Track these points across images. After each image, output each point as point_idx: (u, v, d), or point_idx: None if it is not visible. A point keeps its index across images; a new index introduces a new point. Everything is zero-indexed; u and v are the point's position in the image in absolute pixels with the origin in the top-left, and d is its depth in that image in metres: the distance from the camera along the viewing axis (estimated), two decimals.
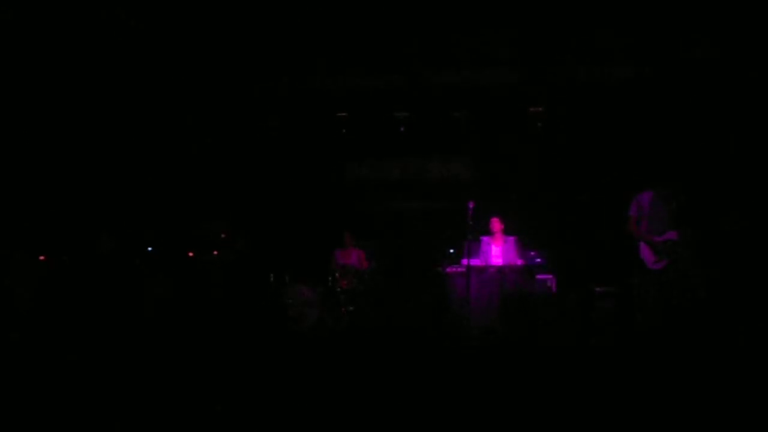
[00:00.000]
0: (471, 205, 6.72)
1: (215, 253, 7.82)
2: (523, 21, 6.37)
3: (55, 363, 3.75)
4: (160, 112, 7.79)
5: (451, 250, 7.56)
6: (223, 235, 8.18)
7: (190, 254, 8.14)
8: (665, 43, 6.57)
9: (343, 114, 8.04)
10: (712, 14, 5.81)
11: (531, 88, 7.47)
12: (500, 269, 7.07)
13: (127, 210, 7.89)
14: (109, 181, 7.75)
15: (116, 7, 5.87)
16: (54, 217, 7.22)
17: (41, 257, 6.87)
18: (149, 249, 7.82)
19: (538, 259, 7.21)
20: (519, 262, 7.13)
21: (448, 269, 7.16)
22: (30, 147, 7.04)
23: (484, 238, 7.39)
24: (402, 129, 8.01)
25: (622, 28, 6.41)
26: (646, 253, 5.81)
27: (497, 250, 7.32)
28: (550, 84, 7.36)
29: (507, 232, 7.31)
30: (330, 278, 7.74)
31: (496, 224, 7.30)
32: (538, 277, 7.05)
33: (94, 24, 5.98)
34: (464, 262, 6.88)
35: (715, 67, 6.55)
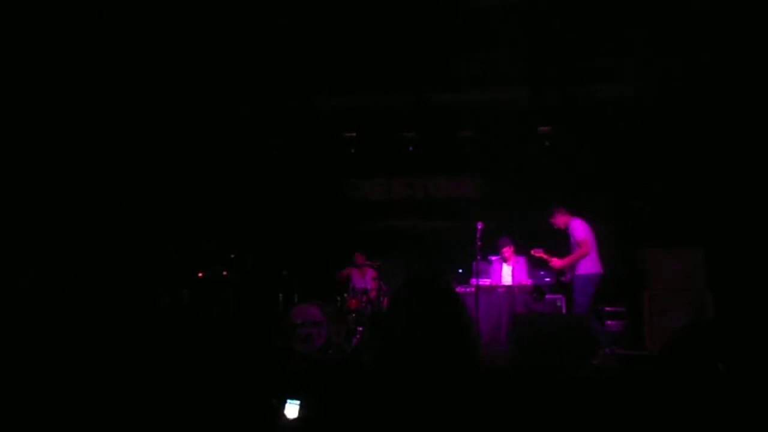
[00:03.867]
0: (480, 225, 6.73)
1: (224, 273, 7.84)
2: (529, 42, 6.42)
3: (54, 368, 3.76)
4: (169, 130, 7.89)
5: (460, 270, 7.55)
6: (232, 256, 8.21)
7: (200, 274, 8.17)
8: (671, 63, 6.60)
9: (352, 134, 8.10)
10: (711, 33, 5.84)
11: (538, 107, 7.50)
12: (509, 289, 7.04)
13: (140, 226, 7.95)
14: (118, 200, 7.81)
15: (118, 22, 5.95)
16: (69, 227, 7.27)
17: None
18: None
19: (548, 279, 7.18)
20: (528, 281, 7.11)
21: (457, 289, 7.15)
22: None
23: (494, 258, 7.38)
24: (410, 149, 8.05)
25: (625, 47, 6.45)
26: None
27: (507, 270, 7.30)
28: (557, 103, 7.39)
29: (517, 252, 7.30)
30: (339, 298, 7.74)
31: (507, 252, 7.28)
32: (548, 296, 7.01)
33: (93, 35, 6.06)
34: (473, 281, 6.87)
35: (713, 86, 6.56)
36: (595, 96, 7.30)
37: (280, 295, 7.78)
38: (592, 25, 6.09)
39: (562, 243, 6.69)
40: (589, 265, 6.39)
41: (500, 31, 6.17)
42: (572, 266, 6.50)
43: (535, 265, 7.21)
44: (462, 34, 6.25)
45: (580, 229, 6.47)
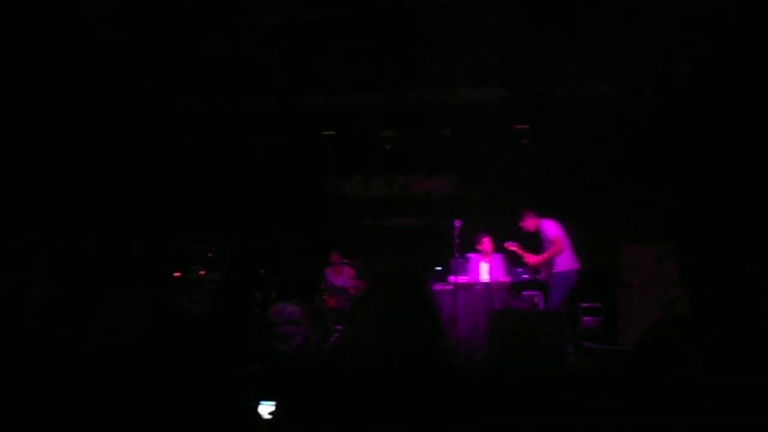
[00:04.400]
0: (457, 223, 6.79)
1: (202, 273, 7.77)
2: (507, 42, 6.47)
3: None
4: (144, 127, 7.79)
5: (438, 268, 7.58)
6: (209, 255, 8.14)
7: (177, 274, 8.09)
8: (645, 63, 6.69)
9: (330, 132, 8.08)
10: (688, 33, 5.94)
11: (515, 106, 7.56)
12: (487, 286, 7.09)
13: (116, 225, 7.84)
14: (95, 197, 7.69)
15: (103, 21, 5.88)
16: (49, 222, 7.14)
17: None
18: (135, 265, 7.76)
19: (525, 276, 7.25)
20: (506, 278, 7.17)
21: (435, 286, 7.17)
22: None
23: (472, 256, 7.42)
24: (388, 147, 8.06)
25: (601, 47, 6.53)
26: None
27: (484, 268, 7.35)
28: (533, 102, 7.45)
29: (495, 249, 7.35)
30: (317, 297, 7.73)
31: (486, 244, 7.33)
32: (525, 293, 7.08)
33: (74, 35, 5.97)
34: (451, 279, 6.92)
35: (690, 85, 6.67)
36: (571, 94, 7.38)
37: (259, 294, 7.74)
38: (567, 24, 6.15)
39: (539, 240, 6.77)
40: (565, 262, 6.48)
41: (477, 30, 6.21)
42: (548, 264, 6.58)
43: (512, 262, 7.27)
44: (439, 33, 6.27)
45: (551, 228, 6.57)
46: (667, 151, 7.31)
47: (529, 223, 6.73)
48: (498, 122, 7.77)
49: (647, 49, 6.34)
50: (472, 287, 7.12)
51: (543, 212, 6.78)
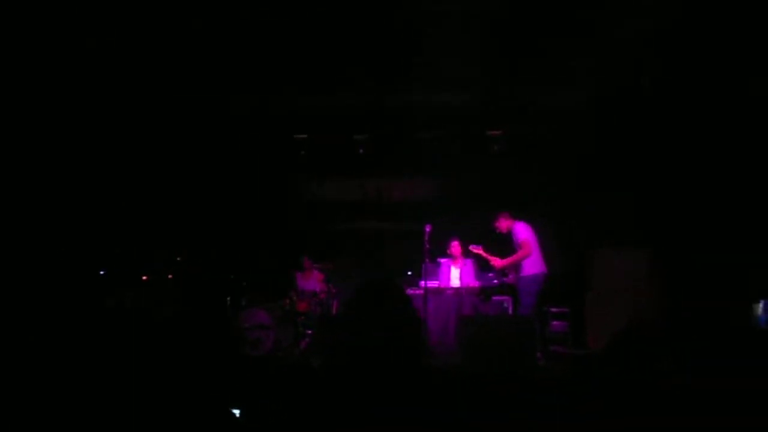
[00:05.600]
0: (428, 228, 6.81)
1: (170, 276, 7.66)
2: (482, 45, 6.50)
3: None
4: (114, 130, 7.64)
5: (409, 272, 7.60)
6: (178, 258, 8.03)
7: (144, 278, 7.95)
8: (619, 68, 6.80)
9: (302, 135, 8.03)
10: (664, 39, 6.04)
11: (489, 111, 7.61)
12: (457, 291, 7.13)
13: (84, 228, 7.67)
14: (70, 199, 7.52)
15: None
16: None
17: None
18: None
19: (495, 281, 7.31)
20: (476, 283, 7.21)
21: (407, 291, 7.18)
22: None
23: (443, 261, 7.46)
24: (361, 150, 8.04)
25: (577, 53, 6.61)
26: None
27: (455, 273, 7.39)
28: (506, 108, 7.51)
29: (465, 254, 7.39)
30: (288, 301, 7.68)
31: (455, 248, 7.38)
32: (495, 298, 7.14)
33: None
34: (422, 284, 6.93)
35: (666, 90, 6.79)
36: (544, 101, 7.45)
37: (228, 298, 7.66)
38: (543, 32, 6.21)
39: (510, 244, 6.83)
40: (533, 265, 6.55)
41: (453, 36, 6.23)
42: (515, 267, 6.65)
43: (482, 267, 7.32)
44: (415, 37, 6.28)
45: (522, 231, 6.64)
46: (637, 157, 7.43)
47: (503, 224, 6.80)
48: (471, 127, 7.81)
49: (616, 58, 6.44)
50: (443, 292, 7.15)
51: (517, 216, 6.84)
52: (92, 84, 6.73)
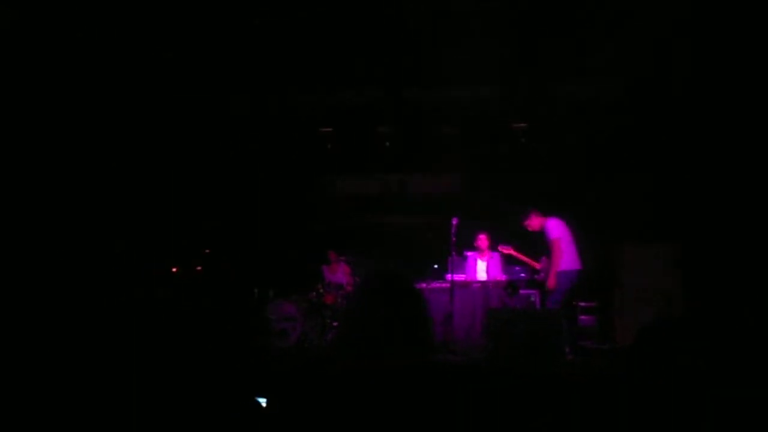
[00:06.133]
0: (455, 221, 6.77)
1: (199, 269, 7.77)
2: (505, 37, 6.43)
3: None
4: (142, 127, 7.75)
5: (435, 266, 7.58)
6: (206, 251, 8.14)
7: (174, 270, 8.09)
8: (647, 61, 6.66)
9: (328, 129, 8.06)
10: (694, 31, 5.89)
11: (514, 103, 7.53)
12: (484, 284, 7.09)
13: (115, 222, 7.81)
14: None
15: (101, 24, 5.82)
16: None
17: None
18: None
19: (523, 274, 7.25)
20: (503, 277, 7.16)
21: (433, 284, 7.17)
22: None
23: (469, 254, 7.42)
24: (386, 144, 8.03)
25: (603, 45, 6.50)
26: None
27: (482, 266, 7.35)
28: (532, 100, 7.43)
29: (492, 247, 7.34)
30: (315, 293, 7.73)
31: (483, 241, 7.32)
32: (522, 292, 7.08)
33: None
34: (448, 277, 6.91)
35: (695, 84, 6.64)
36: (570, 93, 7.35)
37: (255, 290, 7.74)
38: (566, 23, 6.11)
39: (537, 240, 6.74)
40: (567, 262, 6.43)
41: (476, 27, 6.17)
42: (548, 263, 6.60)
43: (509, 261, 7.27)
44: (438, 30, 6.24)
45: (554, 229, 6.48)
46: (668, 151, 7.29)
47: (534, 222, 6.62)
48: (496, 120, 7.75)
49: (647, 47, 6.31)
50: (469, 285, 7.12)
51: (546, 211, 6.73)
52: (134, 79, 6.80)
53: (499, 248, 6.97)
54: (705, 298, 6.38)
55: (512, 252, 6.86)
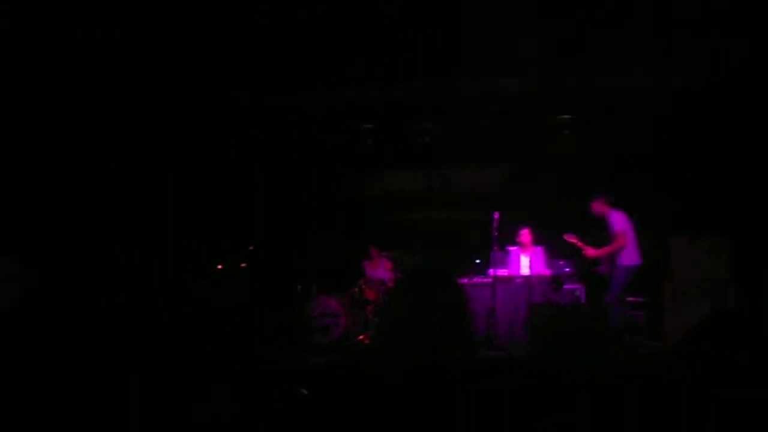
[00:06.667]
0: (496, 215, 6.71)
1: (242, 265, 7.88)
2: (548, 29, 6.30)
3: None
4: (189, 127, 7.89)
5: (478, 261, 7.50)
6: (251, 248, 8.25)
7: (219, 266, 8.22)
8: (694, 52, 6.43)
9: (369, 125, 8.05)
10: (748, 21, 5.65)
11: (558, 96, 7.38)
12: (527, 279, 6.99)
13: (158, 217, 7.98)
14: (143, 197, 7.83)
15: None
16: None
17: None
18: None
19: (567, 269, 7.11)
20: (546, 272, 7.04)
21: (475, 279, 7.11)
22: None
23: (512, 249, 7.33)
24: (427, 139, 7.98)
25: (648, 36, 6.30)
26: None
27: (525, 261, 7.25)
28: (576, 92, 7.26)
29: (535, 242, 7.24)
30: (357, 289, 7.76)
31: (525, 236, 7.23)
32: (567, 286, 6.94)
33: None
34: (491, 272, 6.84)
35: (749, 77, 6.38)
36: (615, 84, 7.16)
37: (299, 286, 7.82)
38: (612, 12, 5.95)
39: (584, 233, 6.65)
40: (628, 256, 6.36)
41: (517, 16, 6.07)
42: (611, 257, 6.47)
43: (552, 255, 7.14)
44: (478, 21, 6.15)
45: (618, 221, 6.44)
46: (717, 143, 7.04)
47: (598, 207, 6.61)
48: (540, 113, 7.61)
49: (697, 35, 6.08)
50: (512, 280, 7.03)
51: (613, 203, 6.64)
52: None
53: (564, 237, 6.88)
54: (758, 292, 6.14)
55: (575, 241, 6.76)
